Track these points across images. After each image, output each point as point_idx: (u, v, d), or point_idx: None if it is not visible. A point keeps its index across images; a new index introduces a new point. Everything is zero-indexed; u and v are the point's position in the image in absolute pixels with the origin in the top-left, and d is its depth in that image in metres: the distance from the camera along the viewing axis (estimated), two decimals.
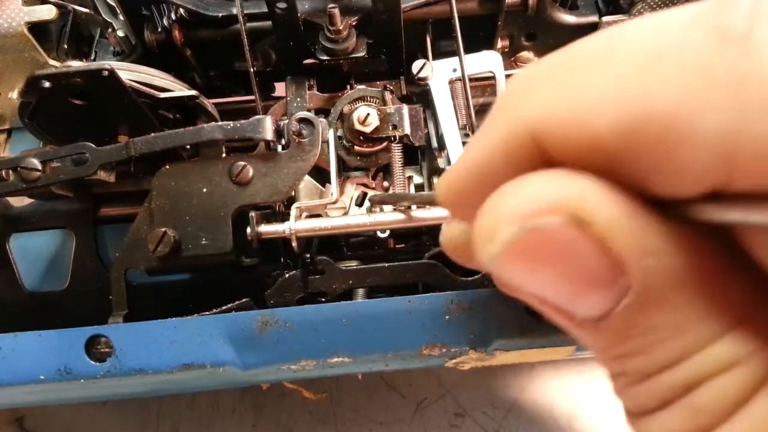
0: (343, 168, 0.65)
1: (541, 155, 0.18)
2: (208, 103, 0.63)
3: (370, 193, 0.63)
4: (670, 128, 0.15)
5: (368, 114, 0.57)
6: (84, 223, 0.69)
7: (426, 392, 0.88)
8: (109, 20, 0.72)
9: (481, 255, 0.18)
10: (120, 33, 0.71)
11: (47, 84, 0.55)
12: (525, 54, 0.70)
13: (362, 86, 0.62)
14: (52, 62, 0.66)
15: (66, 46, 0.67)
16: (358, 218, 0.55)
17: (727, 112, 0.14)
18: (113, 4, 0.68)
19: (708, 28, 0.15)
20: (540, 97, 0.17)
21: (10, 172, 0.57)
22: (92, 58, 0.70)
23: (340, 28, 0.58)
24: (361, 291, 0.60)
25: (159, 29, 0.65)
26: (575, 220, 0.16)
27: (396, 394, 0.88)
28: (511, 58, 0.71)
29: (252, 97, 0.65)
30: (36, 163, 0.56)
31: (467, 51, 0.62)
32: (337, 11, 0.57)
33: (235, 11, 0.59)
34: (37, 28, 0.64)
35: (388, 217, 0.55)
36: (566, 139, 0.17)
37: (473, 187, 0.19)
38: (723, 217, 0.15)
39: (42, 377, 0.54)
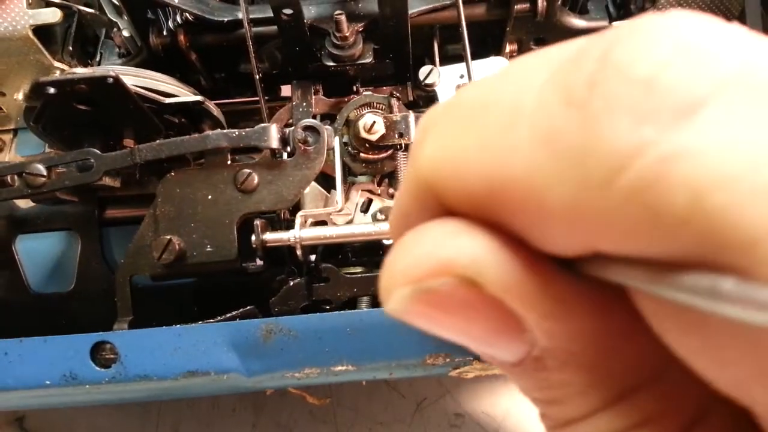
0: (349, 174, 0.64)
1: (440, 200, 0.18)
2: (214, 107, 0.63)
3: (376, 201, 0.63)
4: (523, 196, 0.15)
5: (374, 122, 0.57)
6: (89, 225, 0.69)
7: (426, 392, 0.88)
8: (114, 20, 0.71)
9: (384, 309, 0.18)
10: (125, 33, 0.71)
11: (52, 90, 0.55)
12: None
13: (368, 92, 0.61)
14: (57, 64, 0.65)
15: (71, 48, 0.67)
16: (363, 227, 0.55)
17: (568, 185, 0.14)
18: (118, 3, 0.67)
19: (557, 88, 0.14)
20: (428, 148, 0.17)
21: (16, 177, 0.57)
22: (97, 59, 0.70)
23: (347, 34, 0.58)
24: (365, 299, 0.60)
25: (164, 33, 0.64)
26: (467, 282, 0.16)
27: (396, 394, 0.88)
28: None
29: (257, 98, 0.65)
30: (41, 168, 0.56)
31: (475, 56, 0.61)
32: (343, 17, 0.56)
33: (240, 16, 0.58)
34: (42, 31, 0.64)
35: None
36: (451, 192, 0.17)
37: (400, 228, 0.19)
38: (606, 276, 0.15)
39: (47, 382, 0.54)
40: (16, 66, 0.65)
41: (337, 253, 0.64)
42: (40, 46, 0.63)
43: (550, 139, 0.14)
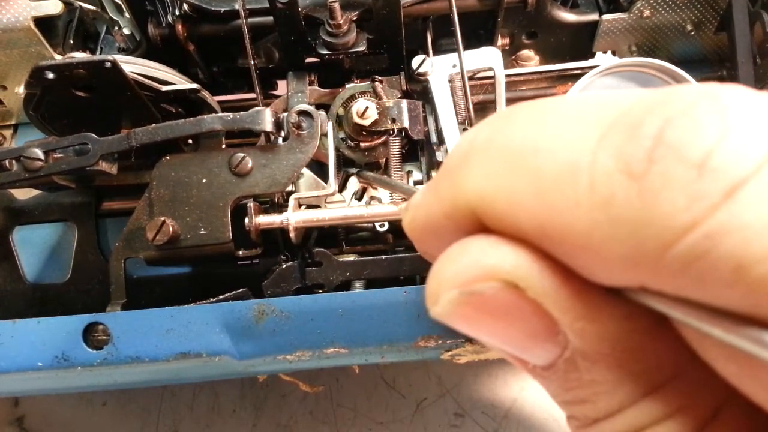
0: (345, 164, 0.65)
1: (480, 221, 0.19)
2: (210, 97, 0.64)
3: (370, 189, 0.63)
4: (576, 244, 0.17)
5: (367, 107, 0.57)
6: (86, 216, 0.69)
7: (426, 392, 0.87)
8: (115, 18, 0.73)
9: (431, 313, 0.20)
10: (126, 31, 0.72)
11: (51, 75, 0.56)
12: (526, 52, 0.70)
13: (351, 84, 0.62)
14: (57, 57, 0.66)
15: (72, 42, 0.68)
16: (355, 210, 0.55)
17: (625, 246, 0.16)
18: (119, 2, 0.69)
19: (615, 156, 0.16)
20: (475, 180, 0.19)
21: (14, 162, 0.57)
22: (98, 54, 0.71)
23: (341, 22, 0.59)
24: (359, 283, 0.60)
25: (163, 24, 0.65)
26: (511, 285, 0.18)
27: (396, 394, 0.88)
28: (512, 57, 0.71)
29: (254, 95, 0.66)
30: (39, 153, 0.57)
31: (469, 49, 0.63)
32: (337, 6, 0.58)
33: (237, 6, 0.59)
34: (44, 24, 0.66)
35: (384, 209, 0.55)
36: (498, 223, 0.18)
37: (426, 234, 0.22)
38: (650, 305, 0.17)
39: (40, 364, 0.54)
40: (18, 58, 0.67)
41: (333, 242, 0.64)
42: (42, 38, 0.64)
43: (610, 205, 0.16)
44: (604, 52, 0.70)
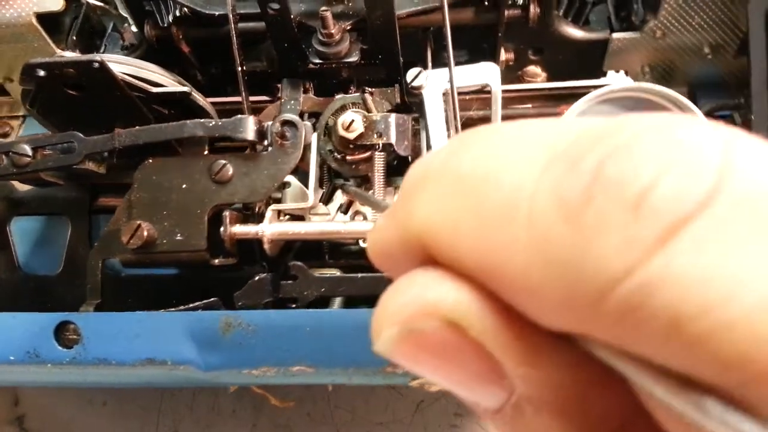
0: (334, 176, 0.64)
1: (429, 253, 0.19)
2: (203, 100, 0.63)
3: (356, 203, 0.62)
4: (514, 284, 0.16)
5: (353, 120, 0.56)
6: (80, 212, 0.70)
7: (426, 392, 0.86)
8: (124, 15, 0.73)
9: (373, 348, 0.19)
10: (134, 28, 0.72)
11: (41, 72, 0.56)
12: (532, 68, 0.68)
13: (341, 95, 0.60)
14: (59, 53, 0.67)
15: (75, 38, 0.68)
16: (332, 225, 0.54)
17: (560, 291, 0.15)
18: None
19: (553, 195, 0.15)
20: (424, 208, 0.18)
21: (2, 156, 0.58)
22: (102, 51, 0.72)
23: (333, 31, 0.57)
24: (337, 301, 0.59)
25: (163, 25, 0.65)
26: (451, 324, 0.17)
27: (395, 394, 0.86)
28: (518, 72, 0.68)
29: (256, 98, 0.65)
30: (27, 148, 0.57)
31: (471, 62, 0.60)
32: (329, 14, 0.56)
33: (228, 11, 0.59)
34: (49, 20, 0.66)
35: (362, 226, 0.53)
36: (440, 253, 0.18)
37: (385, 260, 0.21)
38: (593, 353, 0.16)
39: (12, 358, 0.54)
40: (23, 53, 0.67)
41: (314, 253, 0.63)
42: (44, 33, 0.65)
43: (545, 248, 0.15)
44: (616, 71, 0.67)
